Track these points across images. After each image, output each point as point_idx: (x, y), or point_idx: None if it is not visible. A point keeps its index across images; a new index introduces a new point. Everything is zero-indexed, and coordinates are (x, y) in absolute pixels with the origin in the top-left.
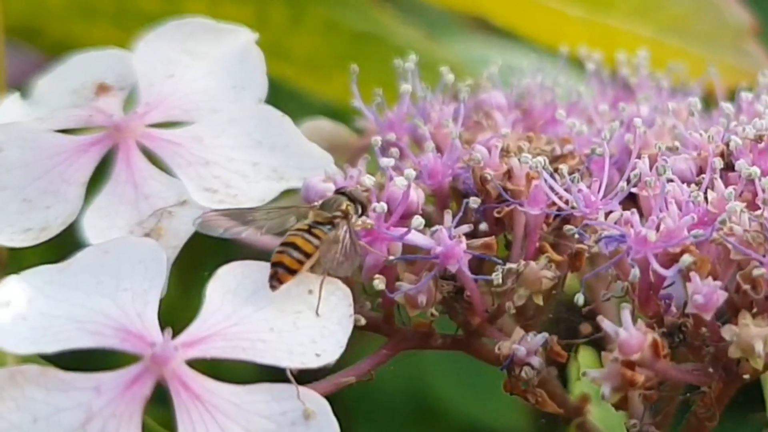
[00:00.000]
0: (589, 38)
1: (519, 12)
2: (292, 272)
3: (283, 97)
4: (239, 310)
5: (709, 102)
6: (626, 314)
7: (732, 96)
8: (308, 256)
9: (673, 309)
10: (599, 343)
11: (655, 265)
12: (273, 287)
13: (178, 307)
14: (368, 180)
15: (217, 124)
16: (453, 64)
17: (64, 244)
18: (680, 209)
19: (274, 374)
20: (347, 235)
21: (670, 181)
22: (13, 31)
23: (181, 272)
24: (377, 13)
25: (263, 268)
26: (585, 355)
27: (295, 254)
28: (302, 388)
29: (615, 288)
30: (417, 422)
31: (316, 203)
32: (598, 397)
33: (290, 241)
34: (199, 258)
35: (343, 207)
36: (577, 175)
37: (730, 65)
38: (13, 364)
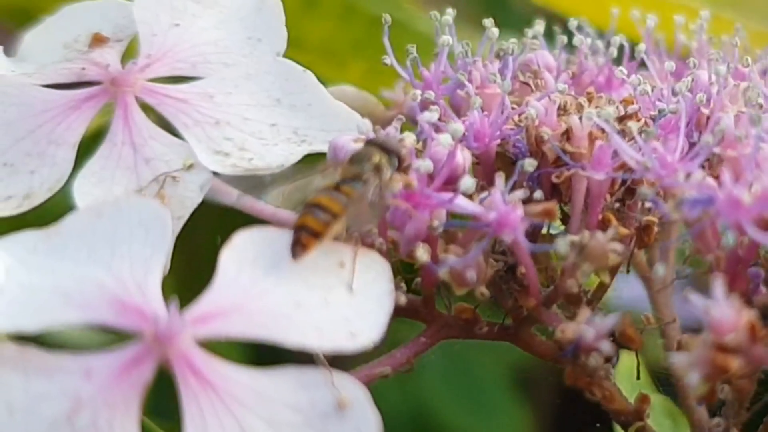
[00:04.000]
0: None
1: None
2: (317, 235)
3: None
4: (260, 283)
5: None
6: (719, 286)
7: None
8: (335, 216)
9: (763, 289)
10: None
11: (752, 231)
12: (295, 254)
13: (183, 292)
14: (408, 138)
15: (229, 80)
16: None
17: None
18: None
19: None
20: (376, 190)
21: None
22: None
23: (185, 251)
24: None
25: (287, 236)
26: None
27: (320, 215)
28: (336, 374)
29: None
30: None
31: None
32: None
33: (315, 201)
34: (207, 235)
35: (376, 160)
36: (651, 129)
37: None
38: None
